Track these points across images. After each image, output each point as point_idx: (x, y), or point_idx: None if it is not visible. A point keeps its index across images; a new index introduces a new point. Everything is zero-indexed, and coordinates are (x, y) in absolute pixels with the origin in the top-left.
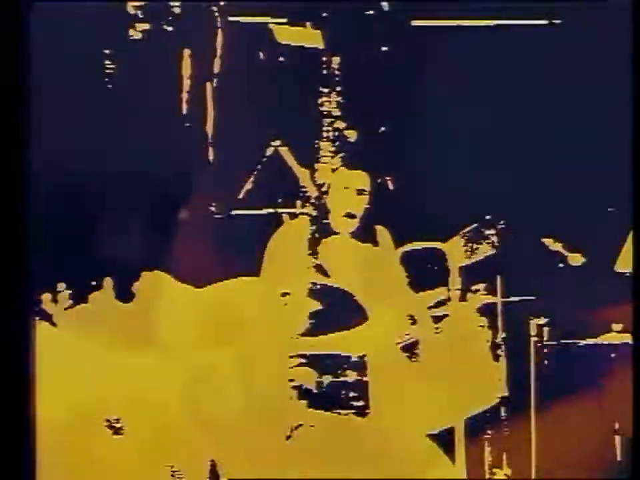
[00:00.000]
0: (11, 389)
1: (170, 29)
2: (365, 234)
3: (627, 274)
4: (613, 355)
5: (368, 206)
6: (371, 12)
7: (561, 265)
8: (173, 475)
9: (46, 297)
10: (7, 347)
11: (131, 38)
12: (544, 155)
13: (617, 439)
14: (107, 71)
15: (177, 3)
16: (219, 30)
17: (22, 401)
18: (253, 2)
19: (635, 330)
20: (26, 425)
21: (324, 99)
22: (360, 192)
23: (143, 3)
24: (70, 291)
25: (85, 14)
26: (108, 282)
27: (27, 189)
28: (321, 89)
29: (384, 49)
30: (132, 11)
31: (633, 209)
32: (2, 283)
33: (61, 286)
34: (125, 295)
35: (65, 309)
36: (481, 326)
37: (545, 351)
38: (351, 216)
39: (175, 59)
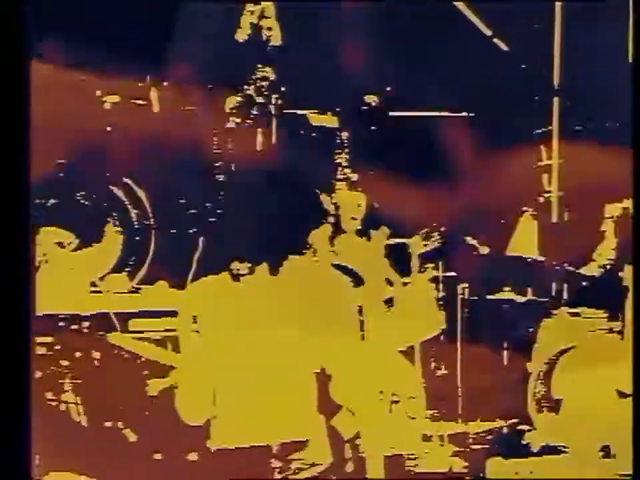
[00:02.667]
0: None
1: (250, 122)
2: (362, 233)
3: (512, 255)
4: (504, 306)
5: (364, 214)
6: (365, 107)
7: (475, 253)
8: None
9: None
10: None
11: (227, 126)
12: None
13: (505, 354)
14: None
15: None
16: (275, 117)
17: None
18: (297, 101)
19: (635, 329)
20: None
21: (337, 156)
22: (359, 205)
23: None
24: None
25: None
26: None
27: None
28: (335, 151)
29: (373, 128)
30: (227, 110)
31: (633, 209)
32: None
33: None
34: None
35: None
36: (430, 288)
37: (466, 302)
38: (354, 219)
39: (252, 135)
